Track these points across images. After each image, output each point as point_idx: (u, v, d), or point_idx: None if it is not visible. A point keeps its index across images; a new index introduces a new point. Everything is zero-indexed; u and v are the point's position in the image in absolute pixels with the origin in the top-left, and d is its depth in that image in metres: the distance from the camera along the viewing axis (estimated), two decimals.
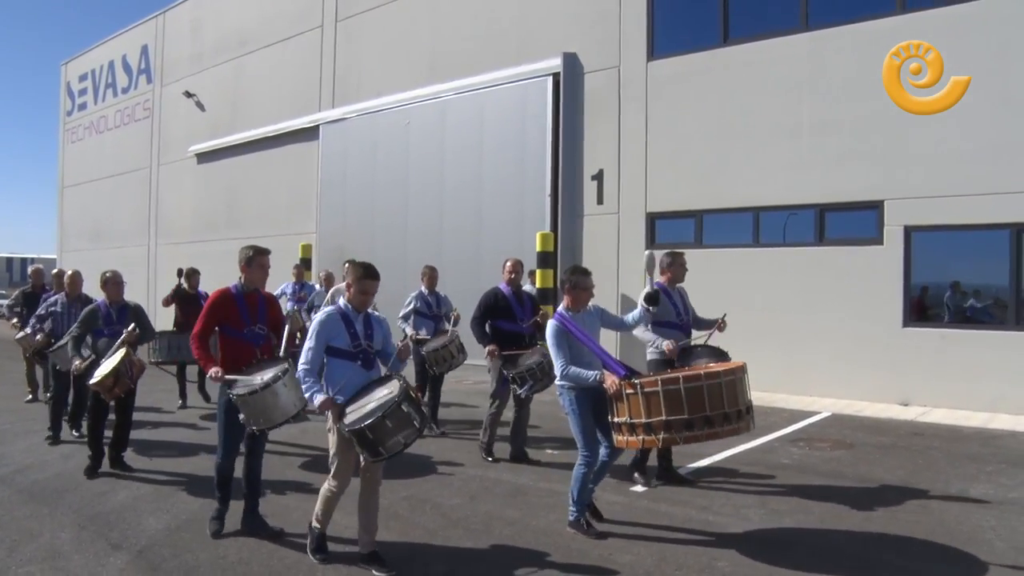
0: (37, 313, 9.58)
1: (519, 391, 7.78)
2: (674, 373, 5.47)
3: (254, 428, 5.33)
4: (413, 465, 7.62)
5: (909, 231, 11.39)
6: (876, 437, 9.24)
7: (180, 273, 11.60)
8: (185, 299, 11.33)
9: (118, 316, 7.70)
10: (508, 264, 8.29)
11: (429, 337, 9.57)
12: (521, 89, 15.82)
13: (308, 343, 5.06)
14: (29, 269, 13.22)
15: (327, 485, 5.11)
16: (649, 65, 14.18)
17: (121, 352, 7.06)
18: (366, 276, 5.15)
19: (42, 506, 6.46)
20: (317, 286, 13.45)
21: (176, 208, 25.29)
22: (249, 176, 22.25)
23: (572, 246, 15.08)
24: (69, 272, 9.47)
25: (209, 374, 5.46)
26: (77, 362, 7.37)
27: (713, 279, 12.77)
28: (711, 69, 13.48)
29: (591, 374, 5.46)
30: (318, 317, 5.12)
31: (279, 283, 12.61)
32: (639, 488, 6.98)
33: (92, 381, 6.92)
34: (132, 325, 7.43)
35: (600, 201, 14.87)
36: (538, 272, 14.44)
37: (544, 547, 5.46)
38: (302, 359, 5.03)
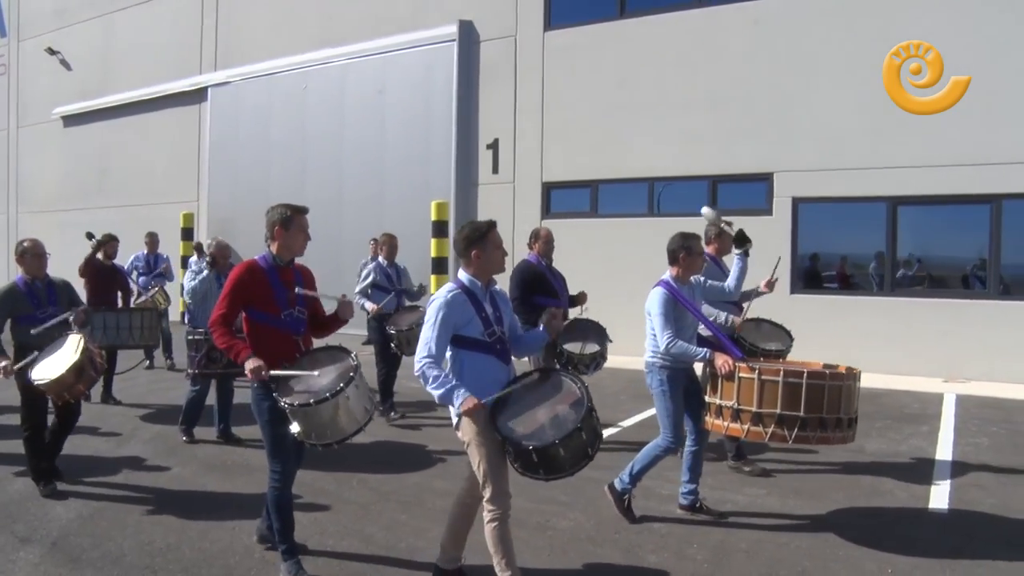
0: None
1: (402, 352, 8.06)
2: (794, 365, 5.12)
3: (316, 445, 4.25)
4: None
5: (796, 202, 11.90)
6: None
7: (91, 238, 9.94)
8: (99, 271, 9.61)
9: (47, 295, 6.36)
10: (543, 234, 7.58)
11: (391, 312, 8.61)
12: (426, 55, 15.50)
13: (429, 328, 3.99)
14: None
15: (491, 516, 3.94)
16: (546, 35, 14.18)
17: (78, 340, 5.89)
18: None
19: None
20: (194, 257, 12.83)
21: (39, 174, 23.61)
22: (124, 141, 20.99)
23: (467, 215, 15.00)
24: None
25: (247, 368, 4.24)
26: (3, 363, 5.75)
27: (608, 249, 13.02)
28: (608, 41, 13.60)
29: (700, 351, 5.07)
30: (440, 298, 4.02)
31: (129, 254, 11.93)
32: None
33: (44, 380, 5.61)
34: (83, 306, 6.46)
35: (495, 170, 14.85)
36: (433, 241, 14.35)
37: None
38: (425, 348, 3.95)
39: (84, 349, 5.75)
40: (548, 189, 14.32)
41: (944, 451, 7.33)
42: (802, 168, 11.79)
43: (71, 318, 6.20)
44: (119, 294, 9.74)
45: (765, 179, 12.13)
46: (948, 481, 6.36)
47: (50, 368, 5.70)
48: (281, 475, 4.43)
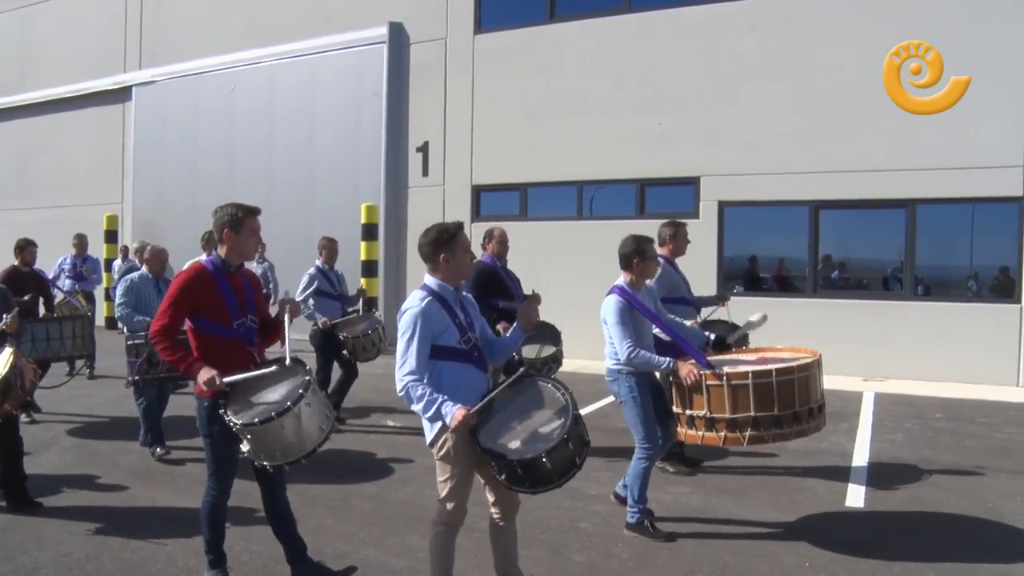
0: None
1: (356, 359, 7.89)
2: (756, 364, 4.91)
3: (266, 464, 3.97)
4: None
5: (722, 206, 12.04)
6: None
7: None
8: (17, 279, 8.70)
9: None
10: (496, 234, 7.36)
11: (337, 320, 8.37)
12: (355, 56, 15.30)
13: (408, 341, 3.74)
14: None
15: (442, 527, 3.91)
16: (476, 38, 14.14)
17: (7, 353, 5.32)
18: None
19: None
20: (119, 261, 12.45)
21: None
22: (42, 140, 20.28)
23: (397, 218, 14.88)
24: None
25: (200, 380, 3.95)
26: None
27: (537, 252, 12.97)
28: (538, 45, 13.61)
29: (663, 361, 4.92)
30: (414, 307, 3.79)
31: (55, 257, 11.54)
32: None
33: None
34: (14, 311, 5.87)
35: (425, 173, 14.73)
36: (363, 244, 14.18)
37: (406, 519, 5.44)
38: (407, 364, 3.72)
39: (11, 365, 5.20)
40: (478, 192, 14.26)
41: (862, 448, 7.47)
42: (728, 172, 11.93)
43: (2, 323, 5.77)
44: (40, 301, 9.02)
45: (692, 183, 12.25)
46: (864, 477, 6.48)
47: None
48: (220, 492, 4.21)
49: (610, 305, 5.08)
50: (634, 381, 5.06)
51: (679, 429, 4.98)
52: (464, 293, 4.07)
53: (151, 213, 18.00)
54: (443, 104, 14.50)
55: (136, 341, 6.74)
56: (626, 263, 5.23)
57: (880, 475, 6.54)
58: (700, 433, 4.81)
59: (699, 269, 12.11)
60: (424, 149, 14.75)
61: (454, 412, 3.60)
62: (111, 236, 17.65)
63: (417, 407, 3.72)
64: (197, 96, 17.57)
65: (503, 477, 3.68)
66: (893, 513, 5.63)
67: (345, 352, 8.18)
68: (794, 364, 4.78)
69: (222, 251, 4.26)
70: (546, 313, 6.92)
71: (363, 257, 14.09)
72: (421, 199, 14.74)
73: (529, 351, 7.02)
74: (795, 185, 11.48)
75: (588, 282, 12.70)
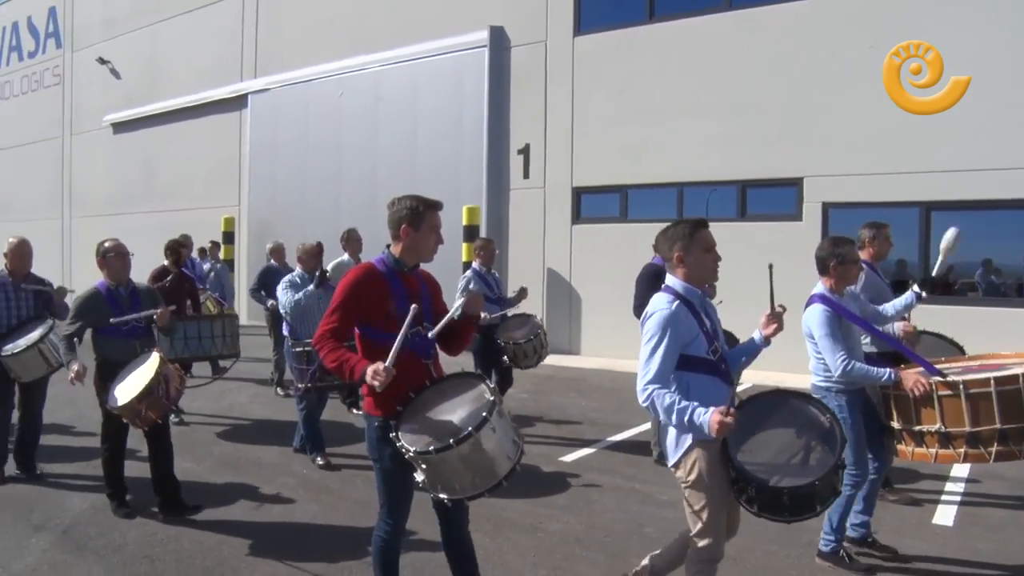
0: None
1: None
2: (995, 371, 4.26)
3: (443, 497, 3.42)
4: (339, 441, 7.59)
5: (826, 207, 11.75)
6: None
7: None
8: (167, 278, 8.92)
9: (131, 302, 5.70)
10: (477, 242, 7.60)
11: (497, 321, 7.83)
12: (457, 60, 15.61)
13: (654, 347, 3.40)
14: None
15: (698, 568, 3.55)
16: (575, 40, 14.20)
17: (154, 360, 5.23)
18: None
19: None
20: (216, 264, 12.86)
21: (91, 180, 24.32)
22: (168, 147, 21.53)
23: (498, 220, 15.11)
24: (14, 240, 6.55)
25: (369, 372, 3.37)
26: (75, 367, 5.41)
27: (638, 253, 12.93)
28: (637, 45, 13.57)
29: (884, 372, 4.37)
30: (663, 310, 3.45)
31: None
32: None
33: (116, 405, 5.11)
34: (160, 308, 5.70)
35: (526, 175, 14.90)
36: (464, 246, 14.46)
37: (473, 518, 5.55)
38: (650, 372, 3.38)
39: (157, 371, 5.08)
40: (578, 194, 14.33)
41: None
42: (832, 173, 11.66)
43: (155, 316, 5.65)
44: (188, 303, 9.11)
45: (795, 184, 12.01)
46: (959, 493, 6.18)
47: (124, 390, 5.17)
48: (394, 527, 3.73)
49: (815, 316, 4.56)
50: (845, 400, 4.57)
51: (903, 447, 4.44)
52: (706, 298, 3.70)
53: (265, 214, 18.88)
54: (543, 106, 14.63)
55: (305, 348, 6.50)
56: (822, 267, 4.74)
57: (978, 493, 6.23)
58: (932, 451, 4.25)
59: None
60: (525, 151, 14.91)
61: (709, 419, 3.22)
62: (228, 237, 18.56)
63: (664, 418, 3.37)
64: (307, 102, 18.29)
65: (754, 506, 3.35)
66: (983, 536, 5.34)
67: (505, 358, 7.75)
68: None
69: (396, 249, 3.75)
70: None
71: (464, 259, 14.37)
72: (522, 201, 14.92)
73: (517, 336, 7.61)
74: (904, 185, 11.10)
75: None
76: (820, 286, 4.72)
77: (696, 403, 3.29)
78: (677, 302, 3.46)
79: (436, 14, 15.91)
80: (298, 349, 6.63)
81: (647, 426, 8.32)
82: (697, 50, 12.88)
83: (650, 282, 6.67)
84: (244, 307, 16.71)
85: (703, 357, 3.46)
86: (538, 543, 4.98)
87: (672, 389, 3.39)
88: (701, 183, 12.99)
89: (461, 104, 15.63)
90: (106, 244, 5.77)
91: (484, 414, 3.29)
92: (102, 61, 23.42)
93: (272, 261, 10.17)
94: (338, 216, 17.06)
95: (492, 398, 3.40)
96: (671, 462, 3.56)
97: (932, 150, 10.90)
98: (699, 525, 3.47)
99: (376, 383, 3.33)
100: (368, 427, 3.68)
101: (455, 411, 3.46)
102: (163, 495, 5.62)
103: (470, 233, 14.54)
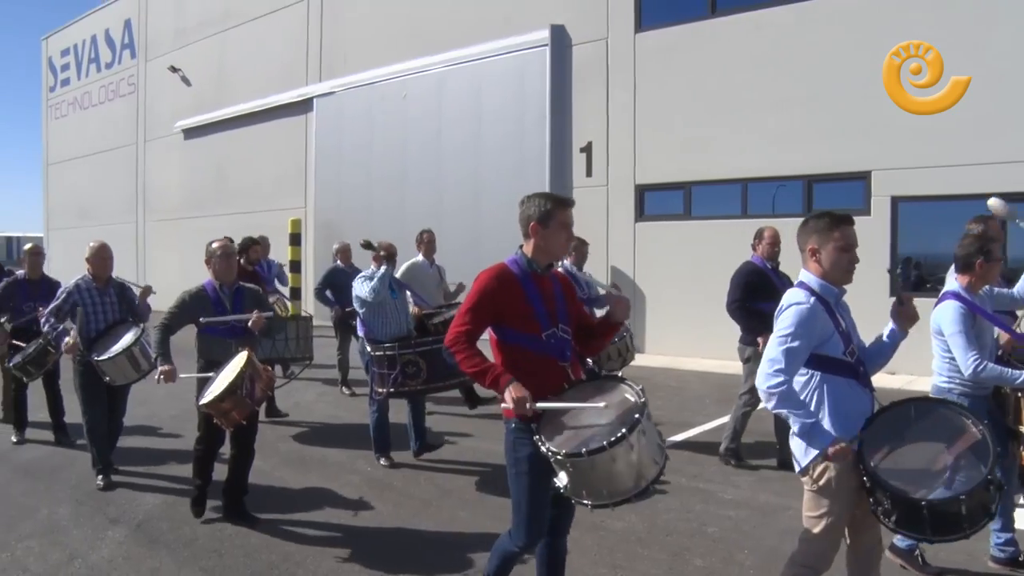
0: (56, 304, 6.48)
1: None
2: None
3: (586, 504, 3.31)
4: (402, 440, 7.68)
5: (896, 201, 11.48)
6: None
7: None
8: (242, 278, 8.38)
9: (233, 302, 5.69)
10: (767, 234, 6.86)
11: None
12: (518, 60, 15.69)
13: (785, 340, 3.25)
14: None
15: (797, 571, 3.43)
16: (637, 37, 14.13)
17: (241, 358, 5.18)
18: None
19: (38, 483, 6.55)
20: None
21: (164, 185, 25.12)
22: (236, 151, 22.12)
23: None
24: (95, 244, 6.66)
25: (509, 397, 3.31)
26: (165, 367, 5.40)
27: (702, 250, 12.86)
28: (698, 40, 13.45)
29: (1017, 374, 4.12)
30: (800, 304, 3.30)
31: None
32: None
33: (203, 402, 5.11)
34: (255, 314, 5.57)
35: (589, 173, 14.88)
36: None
37: None
38: (776, 364, 3.23)
39: (241, 371, 5.03)
40: (641, 191, 14.25)
41: None
42: (901, 166, 11.36)
43: (250, 322, 5.56)
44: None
45: (863, 178, 11.74)
46: None
47: (212, 388, 5.16)
48: (527, 543, 3.54)
49: (949, 312, 4.31)
50: (967, 403, 4.19)
51: None
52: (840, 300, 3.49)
53: (330, 215, 19.20)
54: (605, 104, 14.59)
55: (387, 352, 6.31)
56: (966, 265, 4.47)
57: None
58: None
59: (868, 268, 11.66)
60: (588, 149, 14.89)
61: (834, 447, 3.13)
62: (295, 239, 18.86)
63: (792, 416, 3.23)
64: (371, 104, 18.56)
65: (892, 519, 3.15)
66: None
67: (589, 360, 7.43)
68: None
69: (528, 248, 3.66)
70: (708, 314, 6.71)
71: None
72: (585, 199, 14.82)
73: None
74: (975, 177, 10.75)
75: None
76: (955, 283, 4.48)
77: (821, 418, 3.21)
78: (813, 298, 3.32)
79: (497, 14, 16.00)
80: (379, 353, 6.39)
81: (710, 425, 8.27)
82: (760, 43, 12.71)
83: (744, 280, 6.62)
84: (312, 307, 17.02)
85: (840, 359, 3.32)
86: (600, 541, 4.98)
87: (805, 393, 3.29)
88: (767, 178, 12.82)
89: (523, 103, 15.68)
90: (213, 244, 5.77)
91: (636, 415, 3.21)
92: (173, 69, 24.12)
93: (338, 262, 10.27)
94: (403, 217, 17.27)
95: (642, 400, 3.32)
96: (798, 468, 3.40)
97: (1008, 139, 10.54)
98: (816, 530, 3.35)
99: (515, 410, 3.31)
100: (507, 433, 3.56)
101: (600, 413, 3.33)
102: (230, 498, 5.59)
103: None
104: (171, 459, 7.13)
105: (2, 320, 7.48)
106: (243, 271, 8.80)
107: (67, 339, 6.32)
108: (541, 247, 3.62)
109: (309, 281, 18.16)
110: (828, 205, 11.87)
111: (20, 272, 7.93)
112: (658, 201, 14.19)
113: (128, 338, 6.25)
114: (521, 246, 3.69)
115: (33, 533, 5.31)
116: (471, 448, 7.54)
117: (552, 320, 3.56)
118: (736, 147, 12.88)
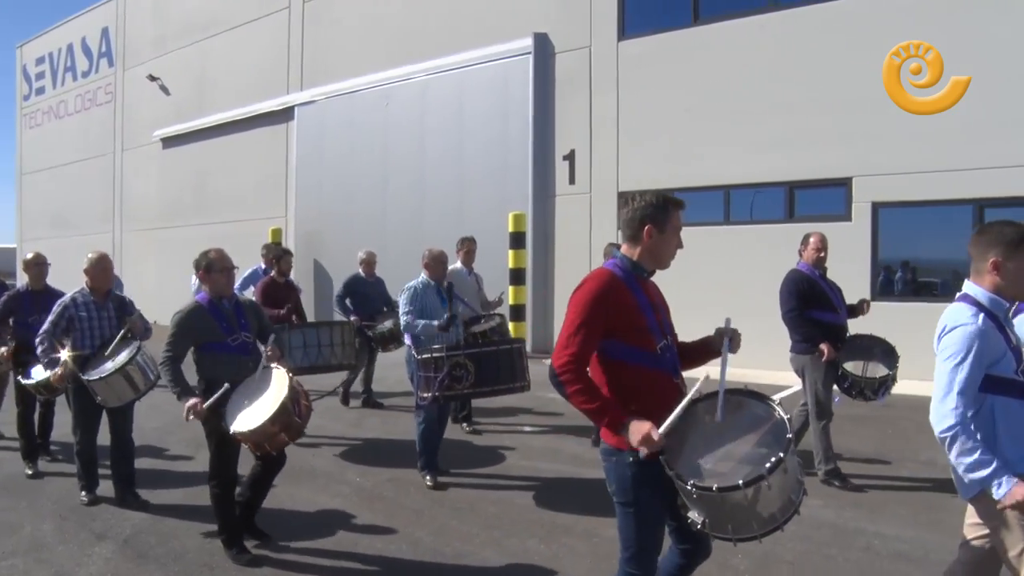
0: (51, 320, 6.04)
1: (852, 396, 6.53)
2: None
3: (733, 539, 2.95)
4: (390, 451, 7.63)
5: (876, 207, 11.58)
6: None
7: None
8: (274, 289, 8.81)
9: (237, 318, 5.18)
10: (813, 240, 6.67)
11: None
12: (502, 68, 15.71)
13: (956, 366, 2.98)
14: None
15: None
16: (620, 45, 14.19)
17: (281, 375, 4.84)
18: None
19: (19, 499, 6.40)
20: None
21: (142, 194, 24.86)
22: (216, 160, 21.94)
23: (544, 226, 15.11)
24: (95, 255, 6.25)
25: (635, 440, 2.89)
26: (191, 401, 4.80)
27: (683, 256, 12.81)
28: (682, 49, 13.52)
29: None
30: (968, 325, 3.02)
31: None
32: None
33: (244, 430, 4.63)
34: (272, 337, 5.19)
35: (572, 181, 14.90)
36: (510, 253, 14.48)
37: (527, 523, 5.56)
38: (953, 397, 2.95)
39: (289, 393, 4.66)
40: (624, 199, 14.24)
41: None
42: (882, 172, 11.46)
43: (266, 353, 5.08)
44: (293, 315, 8.87)
45: (844, 184, 11.83)
46: None
47: (249, 415, 4.69)
48: (638, 561, 3.16)
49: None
50: None
51: None
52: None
53: (312, 224, 19.11)
54: (588, 112, 14.63)
55: (434, 355, 6.05)
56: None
57: None
58: None
59: (850, 274, 11.74)
60: (571, 157, 14.91)
61: (1011, 488, 2.83)
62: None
63: (960, 459, 2.94)
64: (353, 112, 18.49)
65: None
66: None
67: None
68: None
69: (633, 252, 3.29)
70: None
71: (511, 265, 14.40)
72: (568, 207, 14.91)
73: (854, 367, 6.49)
74: (955, 183, 10.87)
75: (734, 287, 12.57)
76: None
77: (1000, 462, 2.88)
78: (982, 315, 3.04)
79: (481, 23, 16.01)
80: (425, 355, 6.10)
81: None
82: (742, 51, 12.79)
83: (795, 288, 6.53)
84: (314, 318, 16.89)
85: (1012, 378, 3.02)
86: (594, 549, 4.97)
87: (971, 418, 2.96)
88: (749, 185, 12.89)
89: (506, 111, 15.68)
90: (211, 255, 5.14)
91: (782, 453, 2.79)
92: (152, 78, 23.92)
93: (360, 271, 10.10)
94: (385, 225, 17.25)
95: (789, 436, 2.85)
96: (968, 495, 3.14)
97: (987, 146, 10.66)
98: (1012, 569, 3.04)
99: (642, 450, 2.88)
100: (617, 464, 3.11)
101: (737, 441, 2.93)
102: (245, 515, 5.27)
103: (517, 239, 14.57)
104: (156, 473, 7.02)
105: (7, 337, 6.99)
106: (276, 284, 8.89)
107: (57, 369, 5.94)
108: (652, 252, 3.27)
109: None
110: (809, 211, 12.02)
111: (21, 284, 7.34)
112: None
113: (122, 357, 5.84)
114: (618, 247, 3.36)
115: (17, 551, 5.20)
116: (462, 458, 7.50)
117: (662, 331, 3.20)
118: (718, 154, 12.94)
